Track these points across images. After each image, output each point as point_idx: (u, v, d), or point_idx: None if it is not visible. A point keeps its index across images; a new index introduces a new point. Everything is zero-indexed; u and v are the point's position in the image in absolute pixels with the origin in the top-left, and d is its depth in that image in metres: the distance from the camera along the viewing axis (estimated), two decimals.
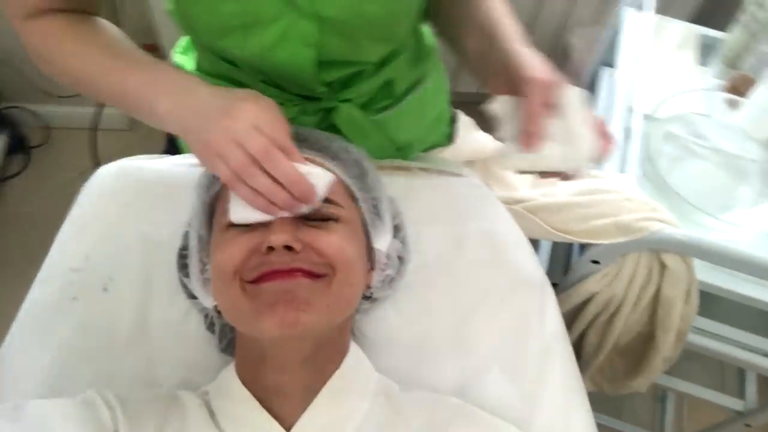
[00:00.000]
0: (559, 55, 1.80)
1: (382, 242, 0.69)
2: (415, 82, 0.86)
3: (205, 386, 0.66)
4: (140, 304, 0.74)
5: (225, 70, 0.76)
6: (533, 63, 0.64)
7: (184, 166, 0.84)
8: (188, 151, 0.94)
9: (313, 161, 0.63)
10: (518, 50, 0.67)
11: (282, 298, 0.56)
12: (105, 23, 0.72)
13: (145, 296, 0.74)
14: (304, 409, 0.59)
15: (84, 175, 0.83)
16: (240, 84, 0.78)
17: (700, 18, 1.55)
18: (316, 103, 0.78)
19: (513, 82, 0.64)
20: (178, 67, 0.65)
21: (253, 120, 0.55)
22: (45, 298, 0.73)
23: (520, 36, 0.70)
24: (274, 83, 0.75)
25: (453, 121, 0.95)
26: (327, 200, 0.62)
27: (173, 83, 0.61)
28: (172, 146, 1.04)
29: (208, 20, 0.67)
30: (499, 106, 0.67)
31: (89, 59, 0.65)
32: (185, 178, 0.81)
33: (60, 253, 0.77)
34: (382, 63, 0.78)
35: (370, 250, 0.69)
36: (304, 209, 0.58)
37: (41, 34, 0.66)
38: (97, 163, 0.84)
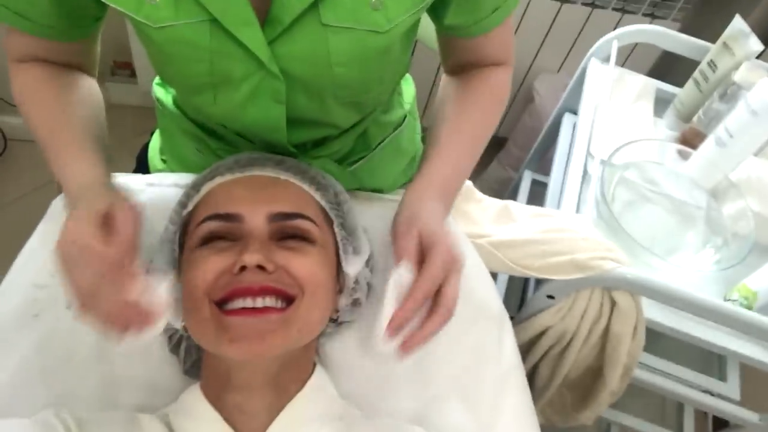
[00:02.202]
0: (522, 98, 1.87)
1: (353, 268, 0.69)
2: (391, 130, 0.88)
3: (164, 408, 0.65)
4: None
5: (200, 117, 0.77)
6: (445, 236, 0.61)
7: (156, 185, 0.84)
8: (157, 168, 0.95)
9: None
10: (434, 208, 0.66)
11: (245, 336, 0.56)
12: (85, 88, 0.73)
13: None
14: (267, 426, 0.59)
15: (40, 190, 0.81)
16: (213, 132, 0.79)
17: (657, 72, 1.63)
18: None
19: (421, 242, 0.62)
20: (93, 166, 0.65)
21: (76, 242, 0.54)
22: (4, 313, 0.71)
23: (445, 182, 0.69)
24: (248, 137, 0.76)
25: None
26: (304, 216, 0.64)
27: (73, 189, 0.63)
28: (143, 166, 1.04)
29: (181, 78, 0.68)
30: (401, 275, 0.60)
31: (37, 123, 0.69)
32: (156, 196, 0.81)
33: (24, 267, 0.75)
34: (354, 125, 0.79)
35: (339, 274, 0.69)
36: (153, 332, 0.54)
37: (20, 82, 0.70)
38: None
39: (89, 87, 0.74)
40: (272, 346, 0.57)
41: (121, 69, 1.96)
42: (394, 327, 0.57)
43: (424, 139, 0.99)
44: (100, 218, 0.56)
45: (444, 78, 0.82)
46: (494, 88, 0.77)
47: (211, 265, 0.59)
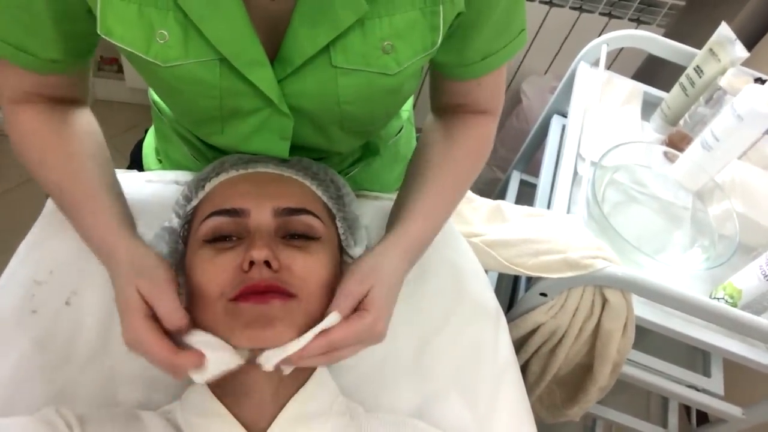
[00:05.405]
0: (510, 99, 1.89)
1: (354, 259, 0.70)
2: (390, 139, 0.90)
3: (166, 406, 0.65)
4: (103, 320, 0.72)
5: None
6: (382, 307, 0.62)
7: (155, 182, 0.84)
8: (152, 168, 0.95)
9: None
10: (397, 265, 0.66)
11: (256, 320, 0.57)
12: (85, 124, 0.71)
13: (109, 312, 0.72)
14: (273, 415, 0.60)
15: (27, 183, 0.78)
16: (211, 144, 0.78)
17: (641, 76, 1.67)
18: None
19: (365, 297, 0.62)
20: (122, 233, 0.65)
21: (134, 341, 0.57)
22: (2, 309, 0.71)
23: (411, 237, 0.69)
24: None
25: None
26: (309, 212, 0.64)
27: (107, 258, 0.64)
28: (136, 162, 1.04)
29: (188, 112, 0.68)
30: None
31: (47, 180, 0.67)
32: (155, 193, 0.81)
33: (22, 262, 0.74)
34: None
35: (342, 263, 0.70)
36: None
37: (22, 130, 0.67)
38: None
39: (88, 122, 0.72)
40: (281, 333, 0.57)
41: (108, 65, 1.94)
42: (292, 357, 0.57)
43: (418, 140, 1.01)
44: (144, 311, 0.58)
45: (429, 118, 0.80)
46: (479, 141, 0.76)
47: (223, 265, 0.60)
